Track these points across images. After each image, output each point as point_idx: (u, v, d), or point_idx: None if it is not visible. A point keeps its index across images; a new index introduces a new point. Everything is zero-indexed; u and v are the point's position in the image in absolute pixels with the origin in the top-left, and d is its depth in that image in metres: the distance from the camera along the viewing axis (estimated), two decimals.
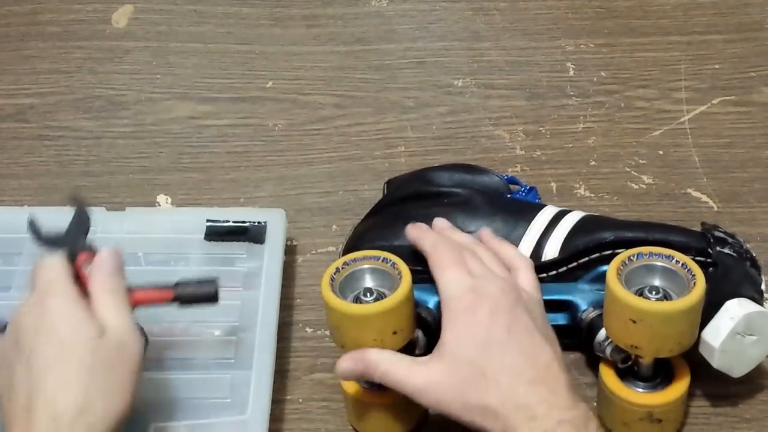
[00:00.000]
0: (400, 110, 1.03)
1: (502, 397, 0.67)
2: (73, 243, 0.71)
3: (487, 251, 0.76)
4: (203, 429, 0.74)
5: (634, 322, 0.70)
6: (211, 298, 0.73)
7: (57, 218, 0.86)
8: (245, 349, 0.78)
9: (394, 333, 0.72)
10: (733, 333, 0.73)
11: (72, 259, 0.70)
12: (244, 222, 0.86)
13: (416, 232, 0.78)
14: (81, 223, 0.72)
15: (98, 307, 0.68)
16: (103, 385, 0.65)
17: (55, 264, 0.70)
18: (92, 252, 0.71)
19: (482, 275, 0.72)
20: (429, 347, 0.74)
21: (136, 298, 0.71)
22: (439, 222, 0.80)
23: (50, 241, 0.72)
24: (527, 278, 0.75)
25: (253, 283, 0.83)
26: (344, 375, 0.73)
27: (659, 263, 0.72)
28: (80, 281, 0.70)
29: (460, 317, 0.70)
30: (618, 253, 0.74)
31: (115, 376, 0.66)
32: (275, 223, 0.86)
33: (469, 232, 0.81)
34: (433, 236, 0.76)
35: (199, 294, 0.72)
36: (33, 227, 0.73)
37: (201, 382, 0.77)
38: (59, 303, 0.67)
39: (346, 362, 0.72)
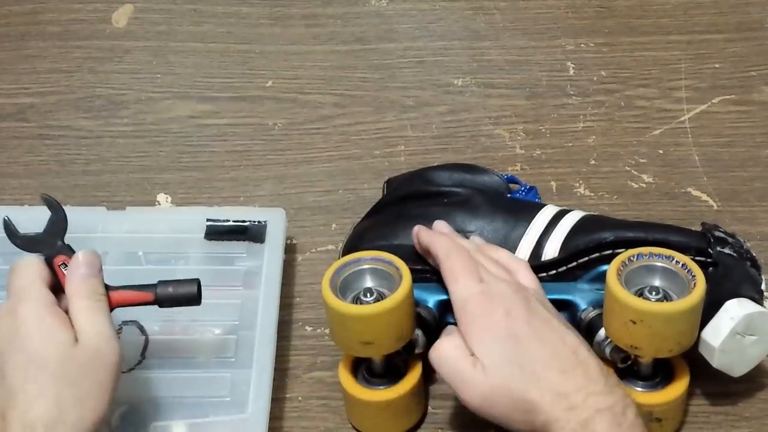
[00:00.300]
0: (400, 109, 1.03)
1: (540, 387, 0.67)
2: (50, 245, 0.70)
3: (486, 257, 0.76)
4: (203, 427, 0.75)
5: (633, 322, 0.70)
6: (192, 299, 0.71)
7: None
8: (245, 347, 0.78)
9: (394, 333, 0.72)
10: (733, 333, 0.73)
11: (49, 261, 0.70)
12: (244, 221, 0.86)
13: (428, 237, 0.77)
14: (57, 224, 0.71)
15: (74, 313, 0.67)
16: (77, 394, 0.64)
17: (30, 267, 0.69)
18: (70, 254, 0.70)
19: (490, 279, 0.72)
20: (428, 347, 0.74)
21: (114, 300, 0.70)
22: (440, 225, 0.80)
23: (27, 242, 0.71)
24: (528, 277, 0.75)
25: (253, 281, 0.83)
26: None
27: (659, 264, 0.72)
28: (59, 284, 0.69)
29: (477, 321, 0.70)
30: (618, 253, 0.74)
31: (89, 384, 0.65)
32: (275, 222, 0.86)
33: (468, 232, 0.81)
34: (446, 242, 0.76)
35: (179, 295, 0.71)
36: (8, 228, 0.72)
37: (201, 380, 0.77)
38: (31, 311, 0.66)
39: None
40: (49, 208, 0.72)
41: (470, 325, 0.70)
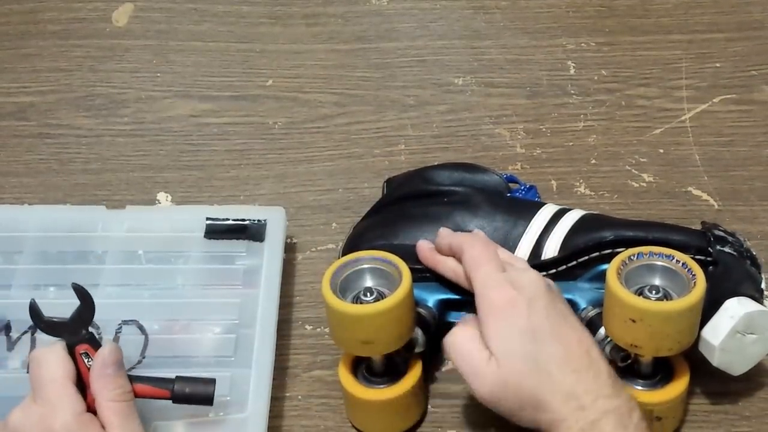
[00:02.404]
0: (401, 108, 1.03)
1: (553, 387, 0.67)
2: (74, 332, 0.70)
3: (507, 252, 0.77)
4: (203, 426, 0.75)
5: (633, 321, 0.70)
6: (207, 399, 0.71)
7: (56, 217, 0.87)
8: (245, 346, 0.78)
9: (394, 332, 0.72)
10: (733, 332, 0.73)
11: (70, 348, 0.69)
12: (243, 220, 0.86)
13: (450, 235, 0.77)
14: (84, 313, 0.71)
15: (106, 416, 0.67)
16: None
17: (56, 363, 0.68)
18: (92, 343, 0.70)
19: (513, 269, 0.72)
20: (428, 346, 0.74)
21: (134, 392, 0.70)
22: (444, 231, 0.80)
23: (50, 327, 0.71)
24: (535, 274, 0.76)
25: (252, 280, 0.83)
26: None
27: (659, 263, 0.72)
28: (80, 374, 0.69)
29: (497, 311, 0.69)
30: (618, 252, 0.74)
31: None
32: (275, 220, 0.86)
33: (468, 231, 0.81)
34: (469, 236, 0.76)
35: (196, 394, 0.71)
36: (34, 310, 0.71)
37: None
38: (65, 428, 0.66)
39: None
40: (79, 298, 0.71)
41: (489, 315, 0.70)
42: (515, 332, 0.68)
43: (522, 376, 0.67)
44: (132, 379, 0.71)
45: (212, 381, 0.72)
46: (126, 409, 0.68)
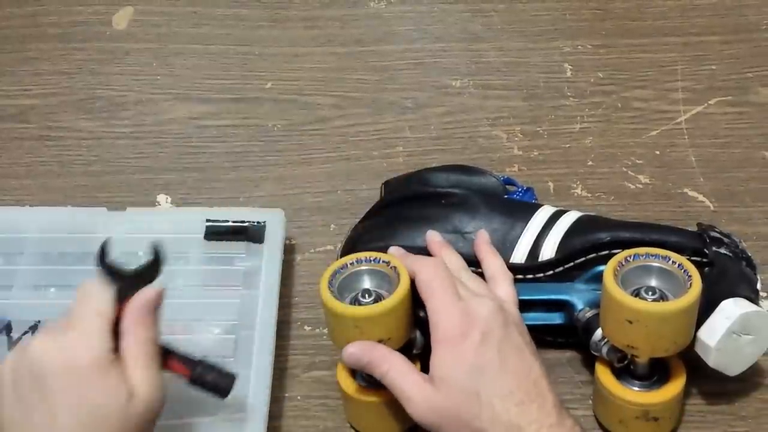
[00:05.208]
0: (399, 111, 1.03)
1: (494, 419, 0.67)
2: (131, 286, 0.69)
3: (469, 273, 0.77)
4: (203, 427, 0.75)
5: (630, 322, 0.70)
6: (224, 392, 0.70)
7: (57, 218, 0.87)
8: (244, 347, 0.79)
9: (393, 334, 0.73)
10: (729, 332, 0.73)
11: (120, 297, 0.68)
12: (243, 221, 0.86)
13: (407, 259, 0.76)
14: (149, 271, 0.70)
15: (131, 365, 0.66)
16: None
17: (102, 310, 0.67)
18: None
19: (469, 297, 0.72)
20: (426, 347, 0.74)
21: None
22: (431, 235, 0.80)
23: (109, 272, 0.70)
24: (508, 292, 0.76)
25: (252, 282, 0.83)
26: (349, 360, 0.72)
27: (656, 264, 0.73)
28: (117, 320, 0.68)
29: (446, 343, 0.70)
30: (614, 254, 0.74)
31: None
32: (274, 222, 0.87)
33: (466, 233, 0.81)
34: (423, 259, 0.75)
35: (215, 383, 0.70)
36: (103, 250, 0.70)
37: None
38: (94, 363, 0.65)
39: (355, 348, 0.71)
40: (154, 255, 0.71)
41: (438, 344, 0.70)
42: (462, 365, 0.68)
43: (462, 405, 0.68)
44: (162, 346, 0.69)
45: (233, 376, 0.70)
46: (153, 352, 0.67)
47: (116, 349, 0.66)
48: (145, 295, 0.68)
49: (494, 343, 0.69)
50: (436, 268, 0.73)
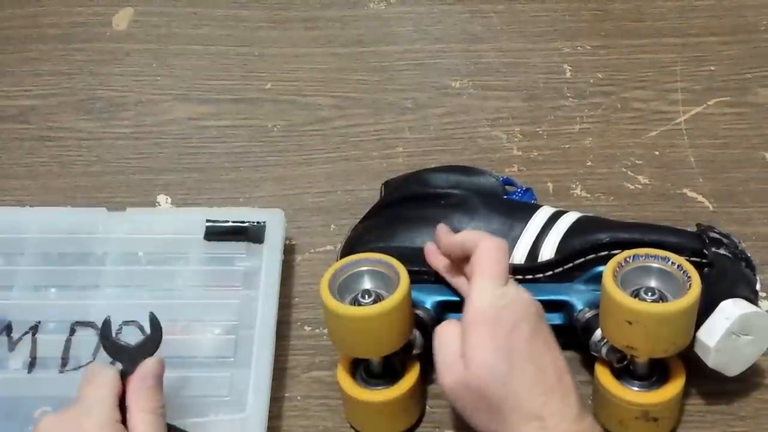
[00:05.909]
0: (398, 111, 1.03)
1: (518, 406, 0.67)
2: (134, 360, 0.70)
3: None
4: (203, 427, 0.75)
5: (629, 323, 0.70)
6: None
7: (57, 219, 0.87)
8: (244, 347, 0.79)
9: (393, 334, 0.73)
10: (729, 333, 0.73)
11: (124, 375, 0.69)
12: (243, 222, 0.86)
13: (466, 234, 0.76)
14: (150, 344, 0.71)
15: (136, 426, 0.67)
16: None
17: (105, 383, 0.68)
18: None
19: (512, 282, 0.72)
20: (426, 347, 0.74)
21: None
22: (442, 227, 0.80)
23: (114, 350, 0.72)
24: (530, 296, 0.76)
25: (252, 282, 0.83)
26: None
27: (655, 265, 0.73)
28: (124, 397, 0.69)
29: (485, 324, 0.69)
30: (614, 254, 0.74)
31: None
32: (274, 222, 0.87)
33: None
34: (482, 236, 0.74)
35: None
36: (105, 328, 0.72)
37: (201, 380, 0.78)
38: (95, 428, 0.66)
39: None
40: (151, 327, 0.72)
41: (472, 324, 0.69)
42: (493, 348, 0.68)
43: (488, 386, 0.68)
44: None
45: None
46: (158, 423, 0.68)
47: (123, 421, 0.68)
48: (146, 366, 0.70)
49: (525, 332, 0.69)
50: (497, 248, 0.72)
